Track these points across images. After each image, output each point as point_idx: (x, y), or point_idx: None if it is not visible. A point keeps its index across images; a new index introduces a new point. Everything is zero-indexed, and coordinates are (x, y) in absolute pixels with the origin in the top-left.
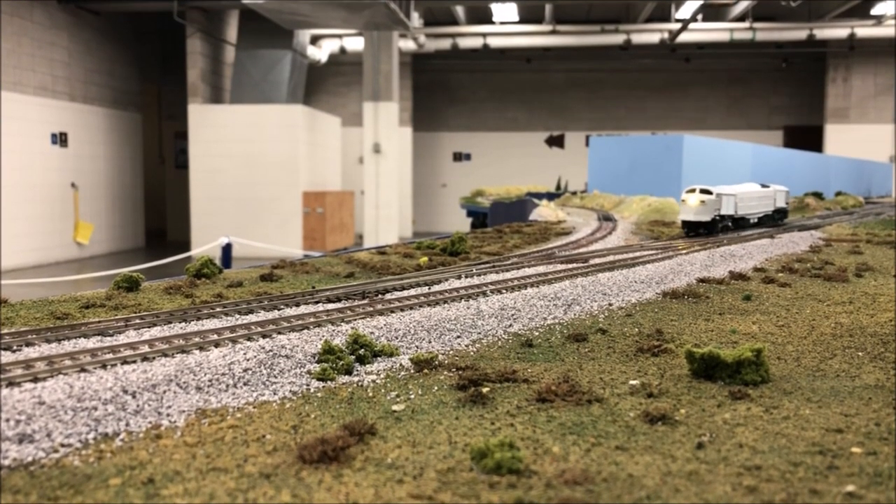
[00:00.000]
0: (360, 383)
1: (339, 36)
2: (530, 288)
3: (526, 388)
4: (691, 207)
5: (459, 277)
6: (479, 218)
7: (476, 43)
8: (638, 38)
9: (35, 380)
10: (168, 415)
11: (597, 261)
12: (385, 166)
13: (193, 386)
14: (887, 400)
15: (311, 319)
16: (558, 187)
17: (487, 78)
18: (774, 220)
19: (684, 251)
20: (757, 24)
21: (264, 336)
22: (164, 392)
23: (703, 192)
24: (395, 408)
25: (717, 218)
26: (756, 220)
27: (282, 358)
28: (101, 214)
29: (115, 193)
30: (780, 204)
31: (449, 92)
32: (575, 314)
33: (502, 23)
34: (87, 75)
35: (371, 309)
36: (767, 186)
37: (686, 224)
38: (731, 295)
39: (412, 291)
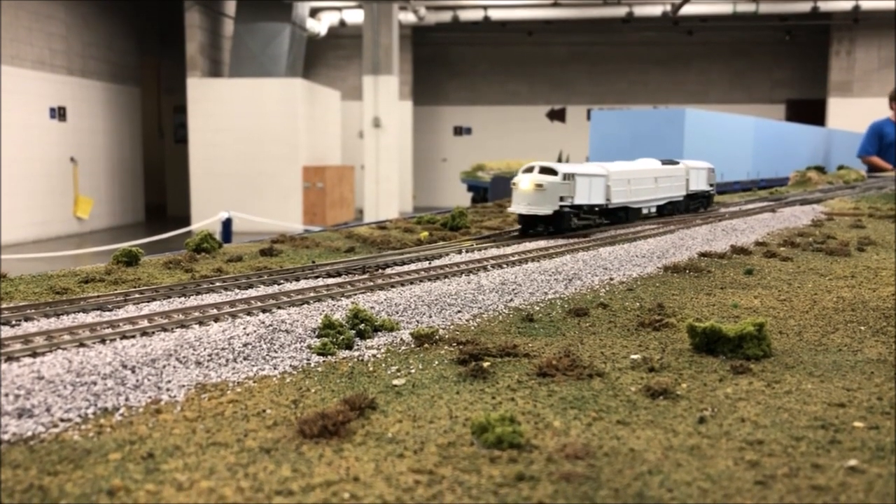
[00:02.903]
0: (360, 358)
1: (339, 8)
2: (531, 262)
3: (527, 362)
4: (523, 194)
5: (460, 252)
6: (480, 192)
7: (477, 15)
8: (640, 11)
9: (34, 354)
10: (168, 389)
11: (598, 235)
12: (385, 140)
13: (193, 360)
14: (889, 374)
15: (311, 294)
16: (559, 161)
17: (488, 51)
18: (689, 209)
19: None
20: None
21: (264, 311)
22: (164, 367)
23: (545, 171)
24: (395, 382)
25: (567, 210)
26: (653, 210)
27: (282, 332)
28: (100, 189)
29: (114, 168)
30: (697, 186)
31: (449, 65)
32: (576, 289)
33: None
34: (85, 49)
35: (371, 284)
36: (675, 163)
37: (520, 219)
38: (733, 269)
39: (412, 266)
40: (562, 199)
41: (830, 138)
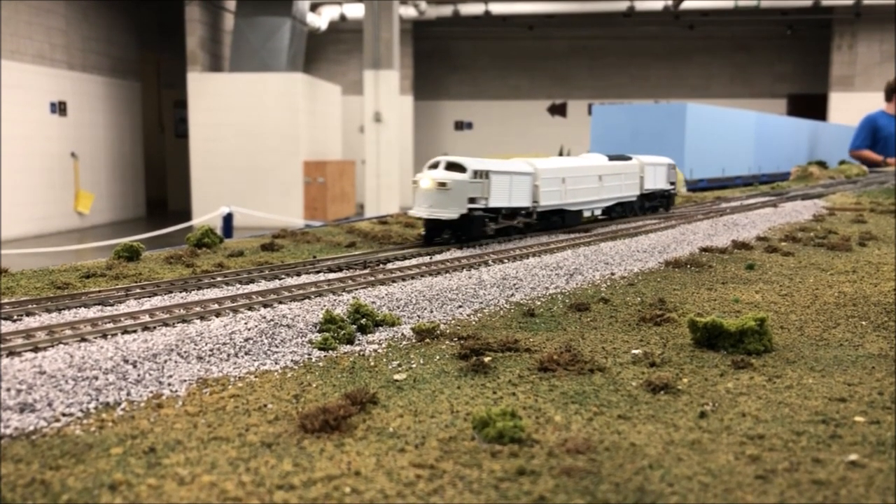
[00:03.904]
0: (361, 353)
1: (339, 3)
2: (532, 257)
3: (528, 357)
4: (424, 194)
5: (461, 248)
6: None
7: (478, 10)
8: (641, 5)
9: (36, 349)
10: (169, 384)
11: (599, 230)
12: (386, 135)
13: (194, 355)
14: (890, 369)
15: (313, 289)
16: (560, 155)
17: (489, 45)
18: (644, 210)
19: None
20: None
21: (265, 305)
22: (166, 361)
23: (451, 167)
24: (396, 377)
25: (479, 213)
26: (598, 213)
27: (283, 327)
28: (101, 184)
29: (115, 163)
30: (654, 185)
31: (450, 60)
32: (577, 283)
33: None
34: (86, 43)
35: (372, 278)
36: (627, 158)
37: (425, 224)
38: (734, 264)
39: (413, 261)
40: (472, 200)
41: (832, 133)
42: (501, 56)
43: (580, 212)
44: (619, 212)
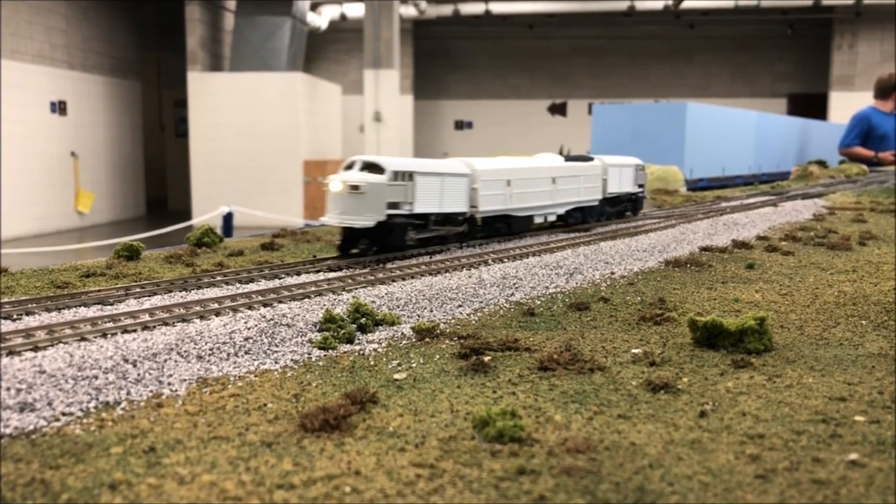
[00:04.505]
0: (361, 352)
1: (339, 2)
2: (532, 257)
3: (528, 356)
4: (335, 198)
5: (461, 247)
6: None
7: (478, 9)
8: (642, 5)
9: (35, 349)
10: (169, 383)
11: (599, 229)
12: (386, 135)
13: (194, 355)
14: (890, 368)
15: (313, 288)
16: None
17: (489, 45)
18: (608, 215)
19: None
20: None
21: (265, 305)
22: (165, 361)
23: (368, 167)
24: (396, 376)
25: (401, 220)
26: (551, 219)
27: (283, 327)
28: (101, 183)
29: (115, 162)
30: (619, 188)
31: (450, 59)
32: (577, 283)
33: None
34: (86, 43)
35: (372, 278)
36: (589, 159)
37: (342, 233)
38: (734, 263)
39: (413, 260)
40: (392, 205)
41: (833, 132)
42: (502, 55)
43: (529, 218)
44: (577, 217)
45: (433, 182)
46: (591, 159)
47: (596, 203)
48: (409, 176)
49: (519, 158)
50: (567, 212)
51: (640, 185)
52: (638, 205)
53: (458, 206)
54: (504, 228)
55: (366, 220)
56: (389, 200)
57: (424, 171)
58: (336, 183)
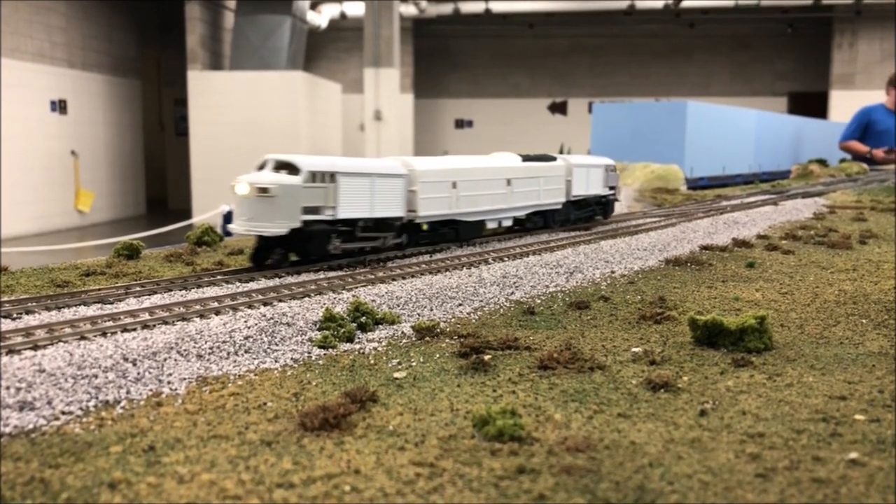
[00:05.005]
0: (361, 351)
1: (339, 0)
2: (532, 256)
3: (528, 355)
4: (243, 203)
5: (461, 246)
6: None
7: (478, 8)
8: (642, 4)
9: (35, 347)
10: (169, 382)
11: (599, 228)
12: (386, 133)
13: (194, 353)
14: (891, 367)
15: (312, 287)
16: (560, 154)
17: (489, 43)
18: (574, 219)
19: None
20: None
21: (265, 304)
22: (165, 360)
23: (282, 166)
24: (396, 375)
25: (322, 227)
26: (506, 223)
27: (283, 325)
28: (101, 182)
29: (115, 161)
30: (586, 190)
31: (450, 58)
32: (577, 282)
33: None
34: (86, 41)
35: (372, 276)
36: (551, 158)
37: (256, 242)
38: (735, 262)
39: (413, 259)
40: (310, 210)
41: (833, 131)
42: (502, 54)
43: (480, 223)
44: (536, 222)
45: (361, 184)
46: (553, 159)
47: (559, 206)
48: (330, 177)
49: (468, 157)
50: (526, 216)
51: (611, 188)
52: (608, 208)
53: (393, 210)
54: (451, 235)
55: (276, 228)
56: (306, 205)
57: (349, 172)
58: (242, 185)
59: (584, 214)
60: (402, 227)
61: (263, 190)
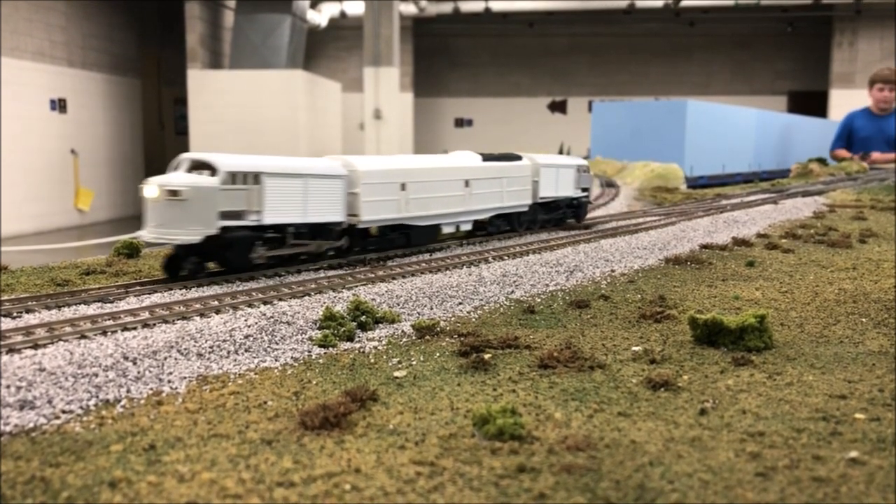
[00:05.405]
0: (361, 350)
1: None
2: (532, 255)
3: (528, 354)
4: (153, 207)
5: (461, 244)
6: None
7: (478, 7)
8: (642, 3)
9: (35, 346)
10: (169, 381)
11: (599, 227)
12: (386, 132)
13: (194, 352)
14: (891, 366)
15: (313, 286)
16: (560, 153)
17: (489, 42)
18: (542, 222)
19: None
20: None
21: (265, 302)
22: (165, 358)
23: (197, 166)
24: (396, 374)
25: (243, 233)
26: (466, 227)
27: (283, 324)
28: (101, 181)
29: (115, 160)
30: (556, 191)
31: (450, 57)
32: (577, 280)
33: None
34: (86, 40)
35: (372, 275)
36: (516, 157)
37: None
38: (735, 261)
39: (413, 258)
40: (229, 215)
41: (833, 130)
42: (502, 53)
43: (435, 227)
44: (499, 226)
45: (291, 185)
46: (518, 158)
47: (525, 209)
48: (253, 178)
49: (421, 157)
50: (489, 219)
51: (585, 189)
52: (581, 211)
53: (331, 214)
54: (401, 240)
55: (189, 235)
56: (224, 209)
57: (277, 172)
58: (151, 187)
59: (554, 217)
60: (343, 233)
61: (174, 193)
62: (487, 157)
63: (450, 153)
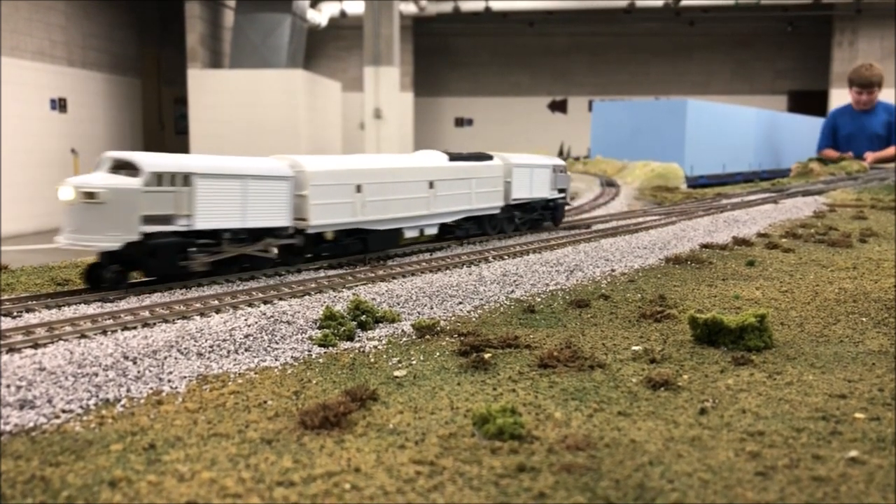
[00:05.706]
0: (361, 349)
1: None
2: (532, 254)
3: (528, 353)
4: (69, 211)
5: (461, 244)
6: None
7: (478, 6)
8: (642, 2)
9: (36, 346)
10: (169, 381)
11: (599, 226)
12: (386, 132)
13: (194, 352)
14: (891, 365)
15: (313, 285)
16: (561, 153)
17: (489, 42)
18: (516, 224)
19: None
20: None
21: (265, 302)
22: (165, 358)
23: (119, 166)
24: (396, 373)
25: (172, 239)
26: (430, 232)
27: (283, 324)
28: None
29: None
30: (530, 193)
31: (450, 56)
32: (577, 280)
33: None
34: (86, 40)
35: (373, 275)
36: (487, 157)
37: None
38: (735, 260)
39: (414, 257)
40: (154, 219)
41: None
42: (502, 52)
43: (395, 231)
44: (468, 229)
45: (227, 187)
46: (488, 157)
47: (496, 211)
48: (183, 179)
49: (379, 156)
50: (456, 222)
51: (562, 190)
52: (557, 213)
53: (275, 219)
54: (357, 246)
55: (107, 241)
56: (148, 213)
57: (210, 173)
58: (67, 189)
59: (528, 220)
60: (290, 239)
61: (90, 195)
62: (455, 157)
63: (416, 153)
